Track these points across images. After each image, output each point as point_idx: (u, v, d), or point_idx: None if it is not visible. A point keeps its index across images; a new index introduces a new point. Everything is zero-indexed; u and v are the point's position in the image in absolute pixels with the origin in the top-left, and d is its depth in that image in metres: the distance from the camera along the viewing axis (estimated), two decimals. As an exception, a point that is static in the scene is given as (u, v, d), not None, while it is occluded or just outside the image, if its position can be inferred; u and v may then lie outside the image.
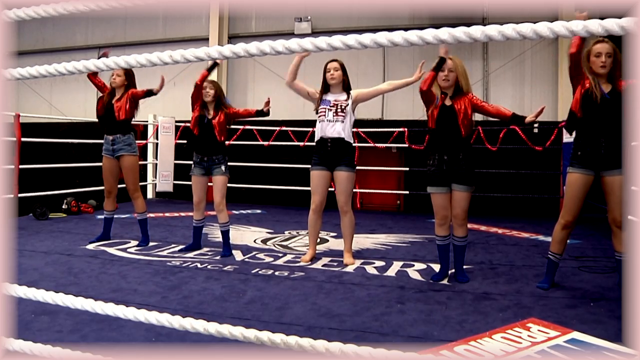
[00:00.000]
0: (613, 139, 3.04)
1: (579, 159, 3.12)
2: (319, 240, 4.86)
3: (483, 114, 3.46)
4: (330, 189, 4.02)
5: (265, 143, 7.79)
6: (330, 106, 3.91)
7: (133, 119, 4.57)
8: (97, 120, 4.58)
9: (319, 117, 3.97)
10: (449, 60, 3.31)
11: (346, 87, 3.98)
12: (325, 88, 3.99)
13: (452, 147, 3.36)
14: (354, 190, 7.55)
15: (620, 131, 3.01)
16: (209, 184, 4.31)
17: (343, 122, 3.89)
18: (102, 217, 4.74)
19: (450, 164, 3.35)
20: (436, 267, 3.68)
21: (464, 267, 3.55)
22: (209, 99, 4.20)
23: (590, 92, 3.05)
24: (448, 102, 3.37)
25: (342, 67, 3.96)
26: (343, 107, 3.90)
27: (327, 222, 5.23)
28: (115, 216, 5.83)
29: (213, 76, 8.93)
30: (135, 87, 4.52)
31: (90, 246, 4.42)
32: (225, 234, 4.23)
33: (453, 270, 3.60)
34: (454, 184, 3.38)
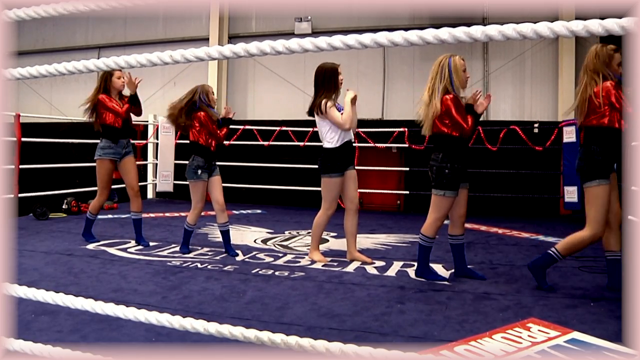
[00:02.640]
0: None
1: (611, 170, 3.07)
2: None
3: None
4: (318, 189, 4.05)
5: (265, 143, 7.79)
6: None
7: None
8: (118, 126, 4.39)
9: None
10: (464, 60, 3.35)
11: None
12: (337, 91, 3.92)
13: (468, 153, 3.45)
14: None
15: None
16: None
17: None
18: (91, 218, 4.64)
19: (463, 167, 3.42)
20: (436, 267, 3.68)
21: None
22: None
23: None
24: None
25: None
26: None
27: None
28: (115, 216, 5.83)
29: (213, 76, 8.98)
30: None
31: (91, 246, 4.42)
32: (227, 234, 4.23)
33: (452, 271, 3.60)
34: (461, 184, 3.44)
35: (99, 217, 4.73)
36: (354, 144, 4.05)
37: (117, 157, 4.43)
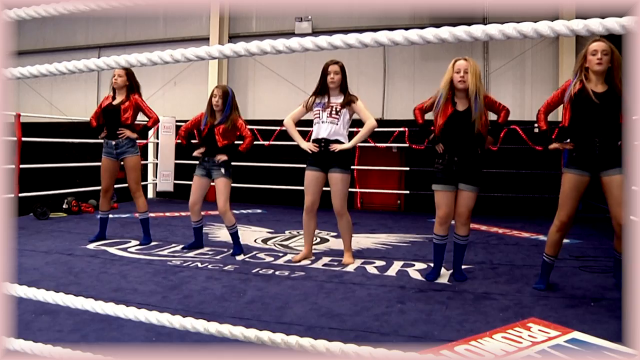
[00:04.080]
0: (607, 139, 3.02)
1: (574, 160, 3.11)
2: (319, 240, 4.88)
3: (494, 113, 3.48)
4: (327, 189, 4.01)
5: (266, 143, 7.78)
6: (324, 107, 3.91)
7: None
8: (94, 125, 4.54)
9: (314, 118, 3.99)
10: (464, 60, 3.29)
11: (343, 89, 3.97)
12: (323, 90, 3.95)
13: (464, 150, 3.35)
14: (354, 190, 7.53)
15: (614, 131, 3.01)
16: (212, 183, 4.31)
17: (337, 124, 3.89)
18: (100, 217, 4.72)
19: (460, 164, 3.35)
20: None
21: (463, 266, 3.56)
22: (218, 108, 4.23)
23: (583, 93, 3.03)
24: (460, 108, 3.32)
25: (342, 70, 3.94)
26: (338, 109, 3.89)
27: (327, 222, 5.23)
28: (115, 216, 5.83)
29: (213, 76, 8.97)
30: (138, 87, 4.50)
31: (91, 246, 4.42)
32: (234, 236, 4.25)
33: (452, 271, 3.60)
34: (461, 184, 3.37)
35: (99, 216, 4.73)
36: (334, 142, 3.90)
37: (110, 156, 4.49)
